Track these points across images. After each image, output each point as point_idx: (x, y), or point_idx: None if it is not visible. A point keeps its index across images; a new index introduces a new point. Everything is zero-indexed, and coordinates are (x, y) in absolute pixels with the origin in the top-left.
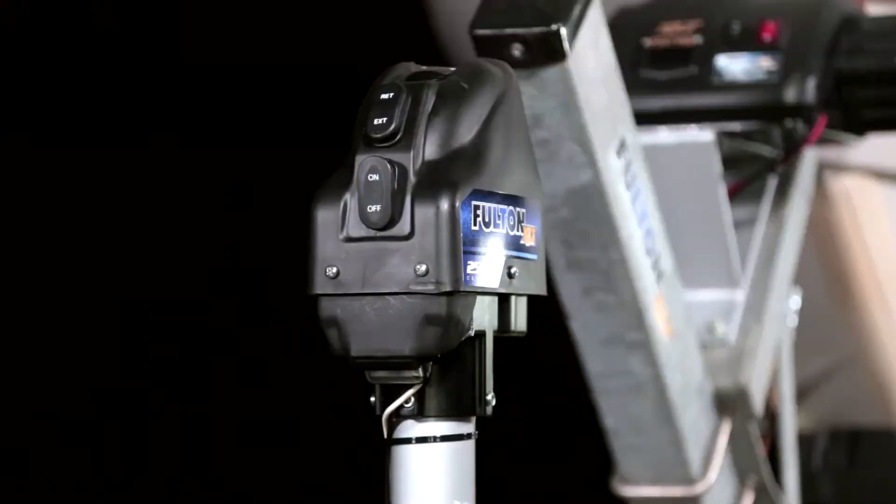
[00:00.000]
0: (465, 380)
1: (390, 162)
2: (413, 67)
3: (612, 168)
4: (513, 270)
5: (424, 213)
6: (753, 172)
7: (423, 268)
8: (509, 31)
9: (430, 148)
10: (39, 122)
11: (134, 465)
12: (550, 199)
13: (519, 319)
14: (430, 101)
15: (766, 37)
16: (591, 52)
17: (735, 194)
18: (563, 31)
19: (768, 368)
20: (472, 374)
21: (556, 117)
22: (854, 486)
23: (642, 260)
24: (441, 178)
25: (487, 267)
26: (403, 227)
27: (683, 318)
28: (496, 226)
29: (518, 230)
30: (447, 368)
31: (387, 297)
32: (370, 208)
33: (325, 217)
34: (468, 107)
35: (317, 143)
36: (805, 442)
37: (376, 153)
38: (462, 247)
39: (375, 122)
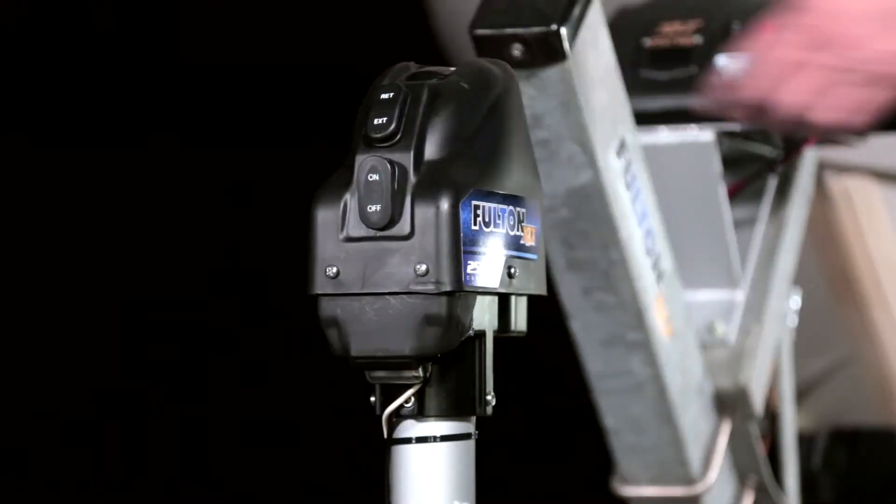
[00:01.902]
0: (465, 380)
1: (390, 162)
2: (413, 67)
3: (612, 168)
4: (513, 270)
5: (424, 212)
6: (753, 172)
7: (424, 268)
8: (509, 31)
9: (430, 148)
10: (39, 122)
11: (134, 465)
12: (550, 199)
13: (519, 319)
14: (429, 101)
15: None
16: (591, 52)
17: (735, 194)
18: (563, 31)
19: (768, 368)
20: (472, 374)
21: (556, 117)
22: (854, 486)
23: (642, 260)
24: (441, 178)
25: (487, 267)
26: (403, 226)
27: (683, 318)
28: (496, 226)
29: (518, 230)
30: (447, 368)
31: (387, 297)
32: (370, 208)
33: (325, 217)
34: (468, 107)
35: (317, 143)
36: (805, 442)
37: (376, 153)
38: (462, 247)
39: (375, 122)
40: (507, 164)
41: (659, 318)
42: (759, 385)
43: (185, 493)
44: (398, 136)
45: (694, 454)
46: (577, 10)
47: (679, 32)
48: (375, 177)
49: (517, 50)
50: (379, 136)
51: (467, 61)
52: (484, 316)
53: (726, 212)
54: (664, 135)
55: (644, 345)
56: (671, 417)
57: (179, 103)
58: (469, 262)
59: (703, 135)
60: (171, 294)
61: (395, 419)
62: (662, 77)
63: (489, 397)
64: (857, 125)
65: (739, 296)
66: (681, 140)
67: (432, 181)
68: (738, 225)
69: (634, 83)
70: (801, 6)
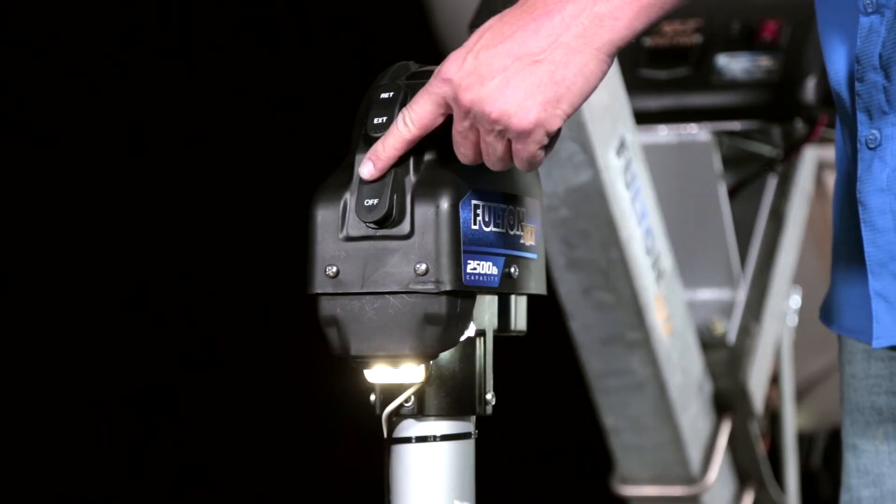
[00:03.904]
0: (465, 379)
1: None
2: (413, 67)
3: (612, 167)
4: (513, 270)
5: (424, 212)
6: (753, 172)
7: (423, 267)
8: None
9: (429, 147)
10: (40, 121)
11: (134, 465)
12: (550, 198)
13: (519, 319)
14: None
15: (766, 36)
16: None
17: (735, 194)
18: None
19: (768, 368)
20: (472, 374)
21: None
22: None
23: (642, 259)
24: (441, 177)
25: (487, 266)
26: (403, 226)
27: (683, 318)
28: (496, 225)
29: (518, 229)
30: (447, 368)
31: (386, 296)
32: (367, 202)
33: (324, 216)
34: None
35: (316, 143)
36: (805, 442)
37: None
38: (462, 246)
39: (375, 121)
40: None
41: (658, 317)
42: (758, 385)
43: (185, 493)
44: None
45: (694, 454)
46: None
47: (679, 31)
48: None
49: None
50: (379, 135)
51: None
52: (484, 315)
53: (726, 211)
54: (664, 134)
55: (644, 344)
56: (671, 417)
57: (180, 103)
58: (469, 261)
59: (702, 134)
60: (172, 293)
61: (394, 418)
62: (662, 76)
63: (489, 397)
64: (526, 168)
65: (739, 295)
66: (680, 139)
67: (432, 181)
68: (738, 225)
69: (634, 82)
70: (442, 77)
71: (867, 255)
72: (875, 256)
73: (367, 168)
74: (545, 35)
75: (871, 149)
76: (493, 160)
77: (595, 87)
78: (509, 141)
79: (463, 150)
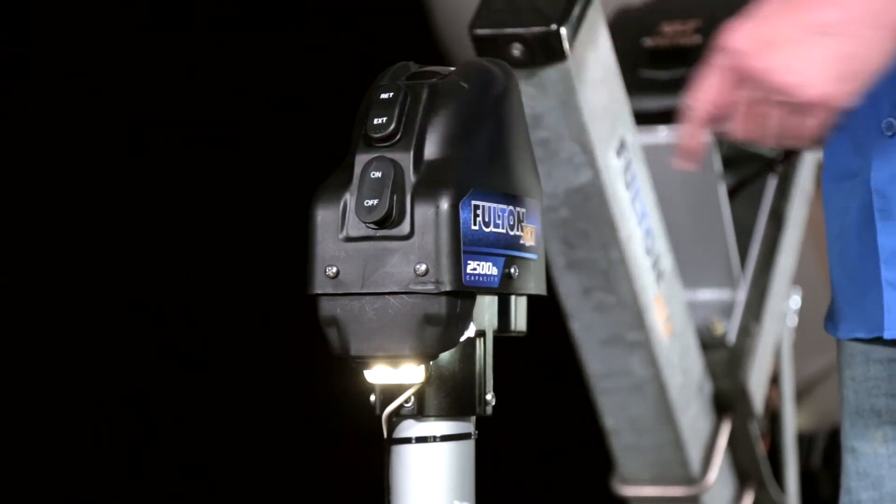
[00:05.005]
0: (465, 380)
1: (390, 161)
2: (413, 67)
3: (612, 168)
4: (513, 270)
5: (424, 212)
6: (753, 172)
7: (423, 267)
8: (509, 30)
9: (429, 148)
10: (40, 121)
11: (134, 465)
12: (550, 198)
13: (519, 319)
14: (429, 100)
15: None
16: (590, 52)
17: (735, 194)
18: (563, 31)
19: (768, 368)
20: (472, 374)
21: (556, 117)
22: None
23: (642, 260)
24: (441, 177)
25: (487, 266)
26: (403, 226)
27: (683, 318)
28: (496, 225)
29: (518, 230)
30: (447, 368)
31: (386, 296)
32: (367, 202)
33: (324, 217)
34: (468, 107)
35: (316, 143)
36: (805, 442)
37: (376, 153)
38: (462, 246)
39: (375, 121)
40: (507, 164)
41: (658, 317)
42: (758, 385)
43: (185, 493)
44: (398, 136)
45: (694, 454)
46: (576, 10)
47: (679, 32)
48: (377, 174)
49: (517, 50)
50: (379, 135)
51: (467, 61)
52: (484, 315)
53: (726, 212)
54: (664, 135)
55: (644, 344)
56: (671, 417)
57: (180, 103)
58: (469, 261)
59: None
60: (172, 294)
61: (394, 419)
62: (662, 77)
63: (489, 397)
64: (806, 146)
65: (739, 295)
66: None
67: (432, 181)
68: (738, 225)
69: (634, 83)
70: (728, 47)
71: (880, 246)
72: (889, 246)
73: (680, 161)
74: (839, 8)
75: (889, 136)
76: (770, 134)
77: (886, 67)
78: (790, 115)
79: (737, 123)
